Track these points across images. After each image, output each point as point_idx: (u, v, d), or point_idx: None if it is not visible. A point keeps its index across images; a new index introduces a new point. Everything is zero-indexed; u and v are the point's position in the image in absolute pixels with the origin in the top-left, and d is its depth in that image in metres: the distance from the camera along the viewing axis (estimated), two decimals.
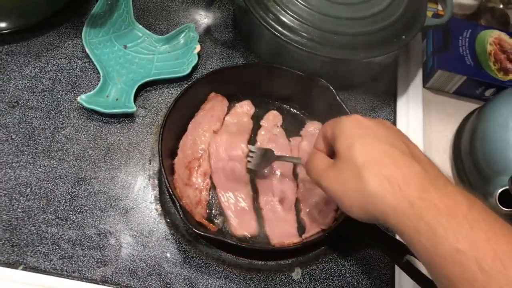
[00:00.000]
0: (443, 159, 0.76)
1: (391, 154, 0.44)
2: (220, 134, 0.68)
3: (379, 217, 0.43)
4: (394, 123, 0.76)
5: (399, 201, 0.41)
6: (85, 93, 0.68)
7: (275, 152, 0.64)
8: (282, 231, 0.62)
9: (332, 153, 0.52)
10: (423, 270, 0.58)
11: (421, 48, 0.85)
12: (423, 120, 0.76)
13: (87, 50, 0.72)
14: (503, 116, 0.67)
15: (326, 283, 0.61)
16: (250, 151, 0.63)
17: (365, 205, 0.43)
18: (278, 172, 0.67)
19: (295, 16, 0.68)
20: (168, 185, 0.59)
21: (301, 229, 0.63)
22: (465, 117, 0.79)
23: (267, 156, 0.64)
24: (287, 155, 0.66)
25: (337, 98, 0.68)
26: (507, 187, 0.61)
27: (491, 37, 0.83)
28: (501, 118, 0.67)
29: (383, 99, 0.78)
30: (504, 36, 0.84)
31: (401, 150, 0.44)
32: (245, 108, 0.72)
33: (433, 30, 0.82)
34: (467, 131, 0.74)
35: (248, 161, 0.63)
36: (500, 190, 0.62)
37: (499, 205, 0.62)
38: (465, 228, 0.37)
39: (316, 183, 0.50)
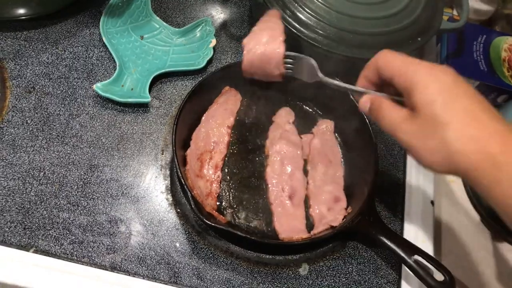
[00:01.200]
0: None
1: (472, 111, 0.44)
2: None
3: (459, 171, 0.44)
4: None
5: (482, 159, 0.42)
6: (101, 81, 0.69)
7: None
8: (291, 226, 0.63)
9: (380, 86, 0.54)
10: (430, 270, 0.59)
11: (435, 51, 0.85)
12: None
13: (104, 39, 0.72)
14: None
15: (332, 280, 0.62)
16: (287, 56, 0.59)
17: (447, 162, 0.44)
18: (288, 168, 0.67)
19: (312, 13, 0.68)
20: (180, 175, 0.59)
21: (309, 225, 0.64)
22: None
23: (307, 66, 0.60)
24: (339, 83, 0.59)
25: (351, 96, 0.68)
26: None
27: (506, 43, 0.83)
28: None
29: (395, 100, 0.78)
30: None
31: (481, 105, 0.44)
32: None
33: (448, 34, 0.83)
34: None
35: (288, 69, 0.60)
36: None
37: None
38: None
39: (389, 132, 0.49)
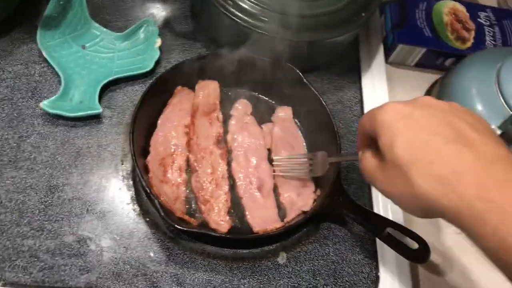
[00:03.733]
0: None
1: (435, 146, 0.39)
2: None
3: (442, 217, 0.40)
4: (361, 100, 0.77)
5: (455, 203, 0.37)
6: (47, 98, 0.66)
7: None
8: (263, 217, 0.63)
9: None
10: (404, 240, 0.60)
11: (380, 24, 0.86)
12: (389, 95, 0.77)
13: (44, 53, 0.69)
14: (464, 83, 0.69)
15: (311, 264, 0.62)
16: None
17: (422, 208, 0.41)
18: (253, 160, 0.67)
19: (254, 1, 0.67)
20: (144, 184, 0.58)
21: (281, 214, 0.64)
22: (429, 88, 0.81)
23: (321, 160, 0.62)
24: (342, 154, 0.66)
25: (304, 80, 0.68)
26: None
27: (446, 7, 0.85)
28: (462, 86, 0.69)
29: (348, 77, 0.79)
30: (458, 5, 0.86)
31: (446, 137, 0.40)
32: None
33: (390, 5, 0.84)
34: None
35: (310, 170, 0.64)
36: None
37: None
38: None
39: (372, 185, 0.48)
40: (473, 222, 0.36)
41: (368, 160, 0.47)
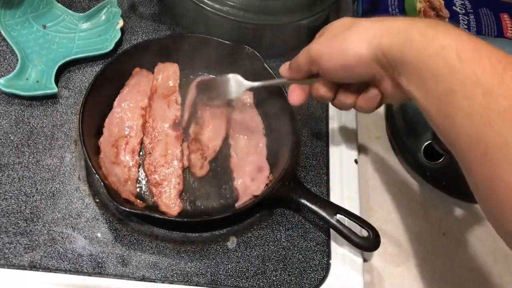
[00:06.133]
0: (377, 120, 0.76)
1: (375, 19, 0.47)
2: None
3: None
4: None
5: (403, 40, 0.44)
6: (4, 77, 0.66)
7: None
8: None
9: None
10: (353, 228, 0.59)
11: (351, 10, 0.85)
12: None
13: (2, 32, 0.68)
14: None
15: (261, 249, 0.61)
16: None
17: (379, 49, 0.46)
18: None
19: None
20: (90, 164, 0.57)
21: (235, 198, 0.63)
22: None
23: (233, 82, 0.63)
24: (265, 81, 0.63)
25: (265, 65, 0.68)
26: (431, 141, 0.62)
27: None
28: None
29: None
30: None
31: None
32: None
33: None
34: None
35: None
36: (425, 144, 0.63)
37: (424, 158, 0.63)
38: (451, 32, 0.41)
39: (311, 56, 0.51)
40: (401, 33, 0.44)
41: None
